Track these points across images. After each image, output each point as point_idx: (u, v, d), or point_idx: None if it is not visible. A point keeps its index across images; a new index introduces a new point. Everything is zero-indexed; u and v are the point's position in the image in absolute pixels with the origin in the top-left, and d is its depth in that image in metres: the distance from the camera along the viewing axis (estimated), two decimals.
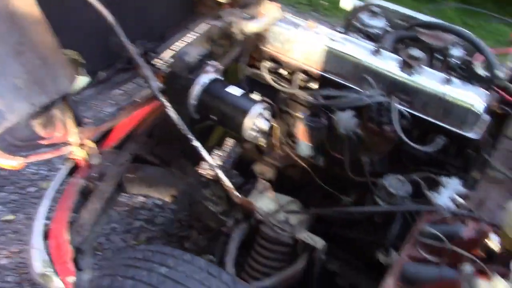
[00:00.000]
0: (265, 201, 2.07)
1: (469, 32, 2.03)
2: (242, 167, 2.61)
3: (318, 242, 1.93)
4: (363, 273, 2.07)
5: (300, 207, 2.09)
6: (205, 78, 2.02)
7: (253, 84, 2.21)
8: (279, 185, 2.18)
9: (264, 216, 1.97)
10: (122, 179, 2.06)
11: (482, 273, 1.35)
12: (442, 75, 1.89)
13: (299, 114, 2.04)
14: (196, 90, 2.01)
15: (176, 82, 2.07)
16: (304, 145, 2.06)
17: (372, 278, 1.91)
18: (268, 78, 2.09)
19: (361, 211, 1.90)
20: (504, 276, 1.29)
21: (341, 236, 2.13)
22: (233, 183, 2.22)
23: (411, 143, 1.79)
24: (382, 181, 1.89)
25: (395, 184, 1.85)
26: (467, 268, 1.35)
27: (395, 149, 1.94)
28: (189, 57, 2.03)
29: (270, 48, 2.11)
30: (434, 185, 1.79)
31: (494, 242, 1.41)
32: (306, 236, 1.94)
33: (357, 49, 1.98)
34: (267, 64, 2.12)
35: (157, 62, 2.26)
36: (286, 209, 2.04)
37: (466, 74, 2.10)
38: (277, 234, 1.93)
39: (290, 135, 2.19)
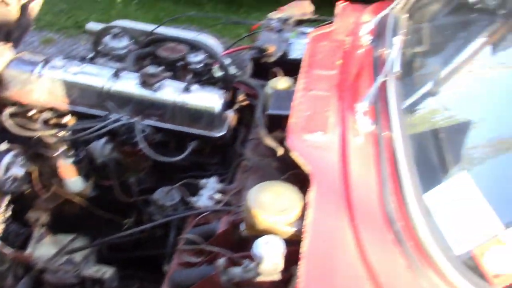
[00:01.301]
0: (45, 247, 2.00)
1: (200, 39, 2.19)
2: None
3: (106, 272, 1.93)
4: None
5: (84, 242, 2.06)
6: None
7: (5, 131, 2.11)
8: (59, 225, 2.13)
9: (44, 263, 1.92)
10: None
11: (234, 261, 1.48)
12: (181, 84, 2.01)
13: (57, 152, 2.00)
14: None
15: None
16: (71, 181, 2.03)
17: None
18: (10, 125, 2.01)
19: (136, 230, 1.94)
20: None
21: (136, 257, 2.16)
22: (18, 236, 2.11)
23: (160, 157, 1.88)
24: (152, 196, 1.96)
25: (163, 196, 1.92)
26: (220, 261, 1.46)
27: (158, 163, 2.02)
28: None
29: (9, 92, 2.03)
30: (197, 189, 1.91)
31: (242, 229, 1.56)
32: (93, 270, 1.93)
33: (96, 77, 2.01)
34: (10, 110, 2.04)
35: None
36: (68, 249, 2.01)
37: (210, 77, 2.26)
38: (59, 278, 1.89)
39: (56, 174, 2.15)
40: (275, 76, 2.08)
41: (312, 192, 1.49)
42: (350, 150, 1.60)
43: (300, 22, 2.61)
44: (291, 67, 2.25)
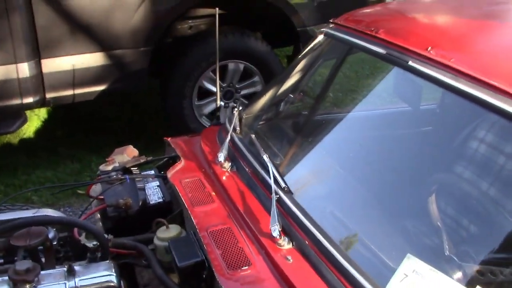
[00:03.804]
0: None
1: (56, 214, 1.96)
2: None
3: None
4: None
5: None
6: None
7: None
8: None
9: None
10: None
11: None
12: (62, 270, 1.74)
13: None
14: None
15: None
16: None
17: None
18: None
19: None
20: None
21: None
22: None
23: None
24: None
25: None
26: None
27: None
28: None
29: None
30: None
31: None
32: None
33: None
34: None
35: None
36: None
37: (75, 252, 2.01)
38: None
39: None
40: (158, 227, 1.97)
41: None
42: (287, 271, 1.60)
43: (132, 167, 2.53)
44: (155, 213, 2.18)
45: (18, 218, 1.97)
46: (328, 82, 2.62)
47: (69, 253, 2.09)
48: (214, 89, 4.76)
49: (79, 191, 4.23)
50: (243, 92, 4.82)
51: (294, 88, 2.63)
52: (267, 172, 1.95)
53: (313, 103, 2.64)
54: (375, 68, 2.43)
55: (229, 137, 2.25)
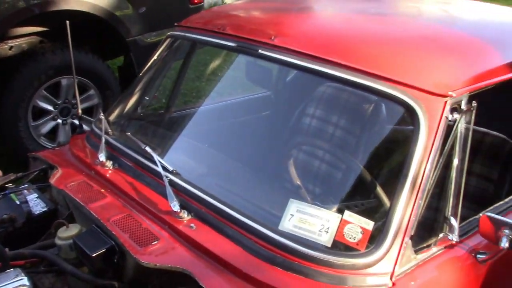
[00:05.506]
0: None
1: None
2: None
3: None
4: None
5: None
6: None
7: None
8: None
9: None
10: None
11: None
12: None
13: None
14: None
15: None
16: None
17: None
18: None
19: None
20: None
21: None
22: None
23: None
24: None
25: None
26: None
27: None
28: None
29: None
30: None
31: None
32: None
33: None
34: None
35: None
36: None
37: None
38: None
39: None
40: (58, 227, 2.04)
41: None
42: (194, 236, 1.85)
43: (5, 185, 2.51)
44: (43, 222, 2.24)
45: None
46: (179, 79, 2.90)
47: None
48: (49, 107, 4.68)
49: None
50: (80, 106, 4.79)
51: (150, 90, 2.85)
52: (152, 161, 2.16)
53: (169, 99, 2.89)
54: (222, 62, 2.76)
55: (103, 139, 2.39)
